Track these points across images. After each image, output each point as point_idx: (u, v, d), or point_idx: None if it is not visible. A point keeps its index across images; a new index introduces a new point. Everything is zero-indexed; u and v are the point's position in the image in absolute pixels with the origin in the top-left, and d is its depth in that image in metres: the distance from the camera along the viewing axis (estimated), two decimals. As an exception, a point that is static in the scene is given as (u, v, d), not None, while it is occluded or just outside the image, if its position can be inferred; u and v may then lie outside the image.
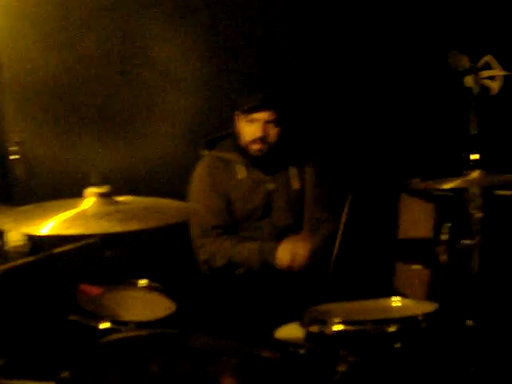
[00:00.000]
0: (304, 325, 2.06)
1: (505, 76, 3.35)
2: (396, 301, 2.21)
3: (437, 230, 3.35)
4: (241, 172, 2.87)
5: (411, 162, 3.59)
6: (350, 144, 3.59)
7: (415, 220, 3.51)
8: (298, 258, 2.68)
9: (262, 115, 2.78)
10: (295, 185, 2.96)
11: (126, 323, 2.07)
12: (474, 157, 3.27)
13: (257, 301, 2.62)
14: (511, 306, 2.73)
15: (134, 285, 2.28)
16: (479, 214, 2.37)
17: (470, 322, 2.27)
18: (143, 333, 1.98)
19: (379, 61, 3.57)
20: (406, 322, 1.96)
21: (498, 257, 2.75)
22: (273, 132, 2.82)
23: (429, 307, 2.07)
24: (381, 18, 3.53)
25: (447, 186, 2.38)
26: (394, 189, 3.55)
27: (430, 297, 2.94)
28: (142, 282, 2.27)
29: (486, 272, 2.32)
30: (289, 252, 2.69)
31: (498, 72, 3.36)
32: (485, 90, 3.39)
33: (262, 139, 2.80)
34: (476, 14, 3.46)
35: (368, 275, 2.97)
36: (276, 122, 2.80)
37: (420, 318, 1.98)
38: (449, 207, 3.18)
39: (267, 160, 2.87)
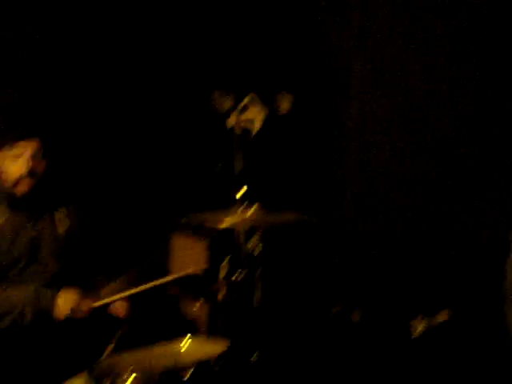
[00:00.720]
0: (94, 379, 1.93)
1: (266, 116, 3.56)
2: (185, 342, 2.18)
3: (211, 265, 3.42)
4: (1, 217, 2.65)
5: (180, 200, 3.62)
6: (115, 185, 3.52)
7: (188, 257, 3.54)
8: (81, 310, 2.53)
9: (26, 147, 2.60)
10: (61, 228, 2.81)
11: None
12: (240, 193, 3.43)
13: (35, 356, 2.41)
14: (294, 337, 2.87)
15: None
16: (257, 248, 2.45)
17: (255, 356, 2.32)
18: None
19: (141, 102, 3.56)
20: (200, 364, 1.94)
21: (279, 288, 2.88)
22: (40, 166, 2.65)
23: (219, 346, 2.07)
24: (137, 56, 3.53)
25: (224, 225, 2.42)
26: (165, 228, 3.55)
27: (210, 333, 2.96)
28: None
29: (268, 303, 2.40)
30: (71, 302, 2.53)
31: (259, 112, 3.55)
32: (247, 129, 3.57)
33: (31, 173, 2.61)
34: (238, 55, 3.63)
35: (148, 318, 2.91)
36: (41, 154, 2.64)
37: (213, 359, 1.97)
38: (221, 242, 3.26)
39: (30, 203, 2.68)
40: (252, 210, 2.55)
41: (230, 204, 3.32)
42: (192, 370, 1.91)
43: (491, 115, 3.25)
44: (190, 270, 3.31)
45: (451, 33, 3.36)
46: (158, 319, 2.82)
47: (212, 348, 2.06)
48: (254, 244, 2.46)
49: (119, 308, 2.70)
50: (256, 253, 2.45)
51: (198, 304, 2.81)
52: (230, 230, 3.26)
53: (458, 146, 3.36)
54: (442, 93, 3.42)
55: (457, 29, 3.34)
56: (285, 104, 3.56)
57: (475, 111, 3.30)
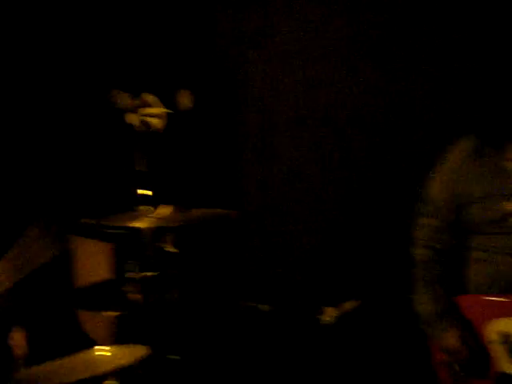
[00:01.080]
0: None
1: (166, 113, 3.49)
2: (101, 350, 2.10)
3: (117, 269, 3.32)
4: None
5: (81, 201, 3.49)
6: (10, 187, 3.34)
7: (92, 262, 3.42)
8: None
9: None
10: None
11: None
12: (144, 192, 3.35)
13: None
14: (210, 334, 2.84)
15: None
16: (173, 249, 2.39)
17: (174, 358, 2.26)
18: None
19: (37, 101, 3.40)
20: (123, 373, 1.87)
21: (195, 289, 2.83)
22: None
23: (139, 351, 2.01)
24: (33, 54, 3.37)
25: (140, 224, 2.35)
26: (66, 232, 3.41)
27: (120, 339, 2.87)
28: None
29: (186, 305, 2.35)
30: None
31: (160, 109, 3.48)
32: (147, 126, 3.49)
33: None
34: (130, 51, 3.54)
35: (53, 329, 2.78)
36: None
37: (136, 365, 1.90)
38: (129, 243, 3.17)
39: None
40: (161, 208, 2.48)
41: (135, 203, 3.25)
42: (115, 377, 1.82)
43: (389, 110, 3.36)
44: (96, 278, 3.20)
45: (345, 29, 3.44)
46: (68, 329, 2.70)
47: (133, 353, 1.99)
48: (167, 244, 2.39)
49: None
50: (170, 253, 2.39)
51: (105, 310, 2.70)
52: (137, 231, 3.19)
53: (357, 141, 3.45)
54: (338, 87, 3.49)
55: (350, 25, 3.42)
56: (185, 100, 3.52)
57: (374, 105, 3.39)
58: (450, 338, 2.24)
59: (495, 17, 2.97)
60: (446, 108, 3.15)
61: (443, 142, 2.49)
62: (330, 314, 3.23)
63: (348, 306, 3.21)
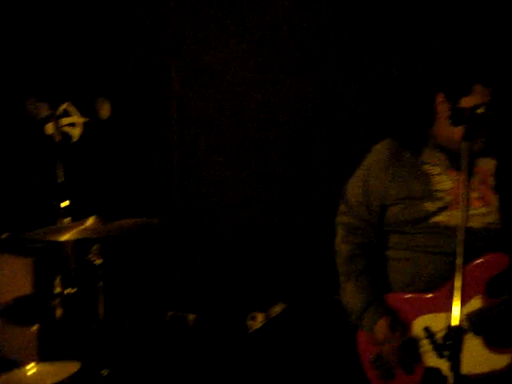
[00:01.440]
0: None
1: (84, 122, 3.41)
2: (31, 368, 2.03)
3: (38, 284, 3.21)
4: None
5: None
6: None
7: (11, 278, 3.29)
8: None
9: None
10: None
11: None
12: (65, 204, 3.26)
13: None
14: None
15: None
16: (99, 261, 2.34)
17: (105, 372, 2.21)
18: None
19: None
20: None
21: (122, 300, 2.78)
22: None
23: (70, 368, 1.95)
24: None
25: (61, 237, 2.29)
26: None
27: (44, 355, 2.78)
28: None
29: (113, 316, 2.30)
30: None
31: (78, 119, 3.40)
32: (66, 136, 3.40)
33: None
34: (54, 60, 3.45)
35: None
36: None
37: (67, 381, 1.85)
38: (50, 257, 3.09)
39: None
40: (86, 220, 2.43)
41: (55, 216, 3.16)
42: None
43: (310, 113, 3.41)
44: (15, 294, 3.09)
45: (264, 35, 3.48)
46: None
47: (63, 369, 1.93)
48: (93, 256, 2.34)
49: None
50: (96, 265, 2.34)
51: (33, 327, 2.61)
52: (58, 244, 3.10)
53: (281, 144, 3.49)
54: (259, 92, 3.52)
55: (268, 30, 3.46)
56: (104, 109, 3.45)
57: (295, 108, 3.44)
58: (380, 327, 2.25)
59: (413, 23, 3.08)
60: (365, 111, 3.23)
61: (361, 145, 2.54)
62: (258, 319, 3.25)
63: (276, 309, 3.23)
